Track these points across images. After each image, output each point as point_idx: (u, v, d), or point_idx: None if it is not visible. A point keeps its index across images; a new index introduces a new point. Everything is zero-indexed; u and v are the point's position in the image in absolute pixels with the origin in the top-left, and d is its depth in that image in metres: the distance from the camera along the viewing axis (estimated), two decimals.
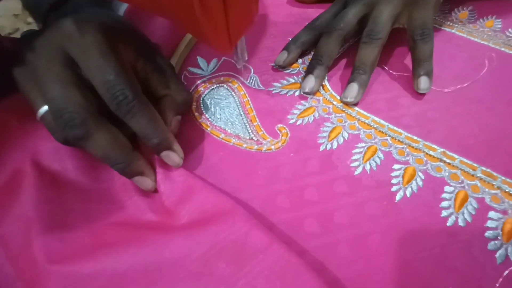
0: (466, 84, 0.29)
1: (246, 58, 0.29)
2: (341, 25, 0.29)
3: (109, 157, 0.22)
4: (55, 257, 0.21)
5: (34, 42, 0.22)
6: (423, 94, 0.29)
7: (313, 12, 0.37)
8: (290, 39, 0.32)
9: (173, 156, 0.23)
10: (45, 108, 0.22)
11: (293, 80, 0.31)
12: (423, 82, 0.28)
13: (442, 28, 0.34)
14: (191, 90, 0.31)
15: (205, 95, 0.30)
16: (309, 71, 0.29)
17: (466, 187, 0.23)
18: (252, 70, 0.32)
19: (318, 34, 0.32)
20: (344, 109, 0.28)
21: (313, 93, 0.29)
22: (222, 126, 0.28)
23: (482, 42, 0.32)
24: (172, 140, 0.23)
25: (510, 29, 0.33)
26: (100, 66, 0.21)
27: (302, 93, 0.29)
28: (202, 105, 0.29)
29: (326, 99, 0.29)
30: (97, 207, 0.24)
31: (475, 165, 0.24)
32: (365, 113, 0.28)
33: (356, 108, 0.28)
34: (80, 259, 0.21)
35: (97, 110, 0.21)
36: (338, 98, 0.29)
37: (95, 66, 0.21)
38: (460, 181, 0.23)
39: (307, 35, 0.32)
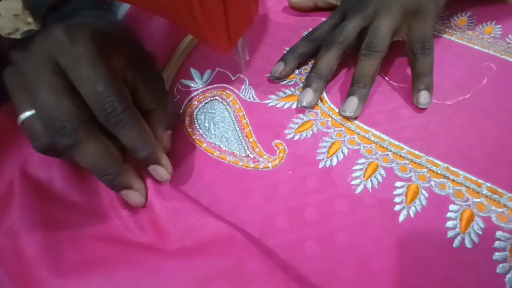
0: (468, 96, 0.28)
1: (247, 58, 0.28)
2: (340, 38, 0.28)
3: (97, 167, 0.21)
4: (43, 271, 0.20)
5: (25, 49, 0.22)
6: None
7: (310, 20, 0.36)
8: (287, 49, 0.31)
9: (161, 171, 0.23)
10: (27, 114, 0.21)
11: (289, 92, 0.30)
12: (423, 97, 0.27)
13: (442, 35, 0.33)
14: (184, 104, 0.30)
15: (199, 109, 0.29)
16: (307, 83, 0.28)
17: (472, 205, 0.22)
18: (248, 82, 0.31)
19: (316, 46, 0.31)
20: (343, 123, 0.27)
21: (310, 107, 0.28)
22: (217, 143, 0.27)
23: (483, 49, 0.31)
24: (160, 155, 0.23)
25: (510, 36, 0.32)
26: (89, 77, 0.20)
27: (299, 106, 0.28)
28: (195, 120, 0.28)
29: (325, 112, 0.28)
30: (81, 220, 0.23)
31: (480, 181, 0.23)
32: (365, 126, 0.27)
33: (356, 122, 0.27)
34: (65, 277, 0.20)
35: (88, 119, 0.21)
36: (337, 111, 0.28)
37: (85, 77, 0.20)
38: (465, 199, 0.23)
39: (305, 47, 0.31)
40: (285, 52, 0.31)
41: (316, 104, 0.29)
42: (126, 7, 0.35)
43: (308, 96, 0.28)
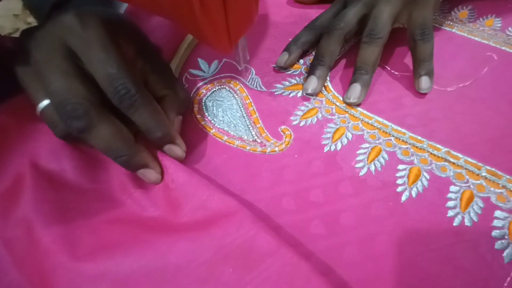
0: (468, 83, 0.29)
1: (248, 58, 0.29)
2: (341, 25, 0.29)
3: (112, 149, 0.21)
4: (62, 256, 0.20)
5: (36, 36, 0.22)
6: (426, 94, 0.29)
7: (313, 12, 0.37)
8: (291, 40, 0.32)
9: (176, 150, 0.24)
10: (45, 102, 0.21)
11: (295, 81, 0.31)
12: (424, 82, 0.28)
13: (443, 27, 0.34)
14: (192, 93, 0.30)
15: (207, 97, 0.30)
16: (311, 72, 0.29)
17: (472, 186, 0.23)
18: (254, 71, 0.32)
19: (319, 34, 0.31)
20: (347, 110, 0.28)
21: (315, 94, 0.29)
22: (225, 128, 0.28)
23: (483, 41, 0.32)
24: (174, 134, 0.24)
25: (510, 28, 0.33)
26: (102, 59, 0.20)
27: (304, 94, 0.29)
28: (204, 107, 0.29)
29: (329, 100, 0.29)
30: (95, 205, 0.24)
31: (480, 164, 0.24)
32: (368, 113, 0.28)
33: (359, 109, 0.28)
34: (82, 261, 0.20)
35: (99, 102, 0.21)
36: (341, 98, 0.29)
37: (97, 59, 0.20)
38: (465, 181, 0.23)
39: (307, 35, 0.32)
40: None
41: (321, 91, 0.29)
42: (124, 7, 0.36)
43: (313, 83, 0.29)
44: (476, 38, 0.32)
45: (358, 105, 0.28)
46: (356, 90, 0.28)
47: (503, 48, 0.31)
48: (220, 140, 0.27)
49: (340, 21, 0.29)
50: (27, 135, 0.26)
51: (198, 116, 0.29)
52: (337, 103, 0.29)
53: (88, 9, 0.23)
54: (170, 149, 0.24)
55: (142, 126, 0.22)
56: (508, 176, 0.23)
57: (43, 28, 0.22)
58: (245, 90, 0.30)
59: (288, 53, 0.31)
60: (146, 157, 0.23)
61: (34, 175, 0.24)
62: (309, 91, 0.29)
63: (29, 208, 0.22)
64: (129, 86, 0.21)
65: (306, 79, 0.29)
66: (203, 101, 0.30)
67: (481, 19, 0.34)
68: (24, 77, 0.22)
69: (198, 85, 0.31)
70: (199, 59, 0.33)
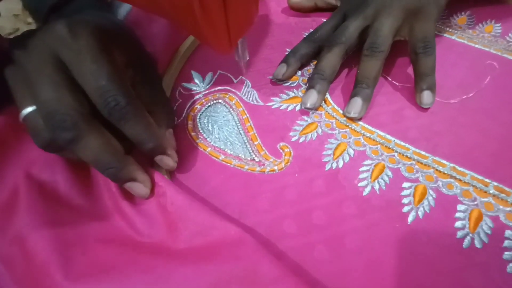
0: (471, 95, 0.28)
1: (248, 58, 0.28)
2: (342, 39, 0.28)
3: (100, 161, 0.21)
4: (56, 275, 0.20)
5: (26, 45, 0.21)
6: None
7: (310, 21, 0.36)
8: (289, 50, 0.31)
9: (167, 160, 0.24)
10: (28, 109, 0.21)
11: (293, 94, 0.30)
12: (426, 97, 0.27)
13: (442, 34, 0.33)
14: (186, 108, 0.29)
15: (202, 113, 0.29)
16: (310, 85, 0.28)
17: (480, 204, 0.22)
18: (250, 84, 0.31)
19: (318, 47, 0.31)
20: (347, 124, 0.27)
21: (315, 108, 0.28)
22: (222, 147, 0.27)
23: (483, 48, 0.31)
24: (166, 145, 0.23)
25: (510, 34, 0.32)
26: (92, 71, 0.20)
27: (303, 108, 0.28)
28: (199, 124, 0.28)
29: (329, 113, 0.28)
30: (88, 223, 0.23)
31: (487, 180, 0.23)
32: (370, 127, 0.27)
33: (360, 123, 0.27)
34: (76, 282, 0.19)
35: (89, 114, 0.21)
36: (341, 112, 0.28)
37: (87, 71, 0.20)
38: (473, 199, 0.23)
39: (306, 48, 0.31)
40: (286, 53, 0.31)
41: (320, 105, 0.28)
42: (126, 8, 0.35)
43: (312, 97, 0.28)
44: (477, 46, 0.32)
45: (359, 119, 0.27)
46: (357, 104, 0.27)
47: (504, 55, 0.31)
48: (216, 159, 0.26)
49: (341, 35, 0.28)
50: (24, 144, 0.25)
51: (193, 134, 0.27)
52: (337, 117, 0.28)
53: (81, 18, 0.22)
54: (161, 160, 0.23)
55: (133, 137, 0.22)
56: None
57: (34, 37, 0.21)
58: (241, 105, 0.29)
59: (286, 65, 0.30)
60: (134, 170, 0.22)
61: (26, 187, 0.23)
62: (308, 105, 0.28)
63: (23, 222, 0.22)
64: (118, 98, 0.20)
65: (305, 92, 0.28)
66: (198, 117, 0.29)
67: (480, 25, 0.34)
68: (13, 82, 0.22)
69: (193, 100, 0.30)
70: (192, 72, 0.32)
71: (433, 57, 0.27)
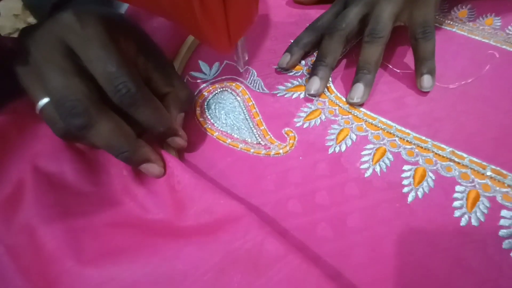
0: (470, 80, 0.29)
1: (247, 58, 0.28)
2: (342, 25, 0.29)
3: (113, 146, 0.21)
4: (67, 262, 0.20)
5: (34, 34, 0.22)
6: (428, 93, 0.29)
7: (314, 13, 0.36)
8: (292, 41, 0.32)
9: (179, 140, 0.25)
10: (44, 101, 0.21)
11: (297, 83, 0.31)
12: (426, 81, 0.28)
13: (443, 27, 0.34)
14: (194, 95, 0.30)
15: (209, 100, 0.30)
16: (313, 72, 0.29)
17: (477, 186, 0.23)
18: (255, 73, 0.32)
19: (320, 35, 0.31)
20: (350, 111, 0.28)
21: (318, 94, 0.29)
22: (229, 131, 0.27)
23: (483, 40, 0.32)
24: (176, 127, 0.24)
25: (510, 27, 0.33)
26: (101, 57, 0.20)
27: (307, 95, 0.29)
28: (206, 110, 0.29)
29: (332, 101, 0.29)
30: (97, 209, 0.24)
31: (484, 163, 0.24)
32: (372, 114, 0.28)
33: (362, 109, 0.28)
34: (87, 267, 0.20)
35: (99, 100, 0.21)
36: (344, 99, 0.29)
37: (96, 58, 0.20)
38: (470, 180, 0.23)
39: (309, 36, 0.32)
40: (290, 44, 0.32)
41: (323, 92, 0.29)
42: (124, 7, 0.36)
43: (316, 84, 0.29)
44: (477, 38, 0.33)
45: (361, 105, 0.28)
46: (359, 90, 0.28)
47: (504, 47, 0.31)
48: (223, 143, 0.27)
49: (342, 21, 0.29)
50: (27, 139, 0.26)
51: (201, 119, 0.28)
52: (340, 104, 0.29)
53: (88, 8, 0.22)
54: (173, 141, 0.24)
55: (145, 122, 0.22)
56: None
57: (42, 27, 0.22)
58: (247, 92, 0.30)
59: (290, 54, 0.31)
60: (147, 152, 0.23)
61: (35, 180, 0.24)
62: (312, 92, 0.29)
63: (31, 213, 0.22)
64: (129, 84, 0.20)
65: (308, 80, 0.29)
66: (205, 103, 0.29)
67: (480, 18, 0.34)
68: (24, 75, 0.22)
69: (200, 88, 0.31)
70: (200, 61, 0.33)
71: (432, 42, 0.28)
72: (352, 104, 0.28)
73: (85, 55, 0.21)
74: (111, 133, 0.21)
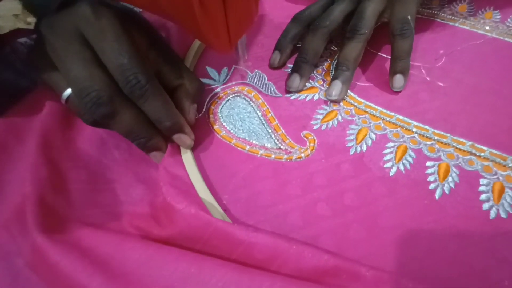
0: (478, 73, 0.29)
1: (246, 58, 0.28)
2: (326, 22, 0.29)
3: (133, 132, 0.23)
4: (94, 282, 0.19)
5: (52, 23, 0.22)
6: (442, 87, 0.29)
7: None
8: (280, 35, 0.32)
9: (185, 138, 0.24)
10: (69, 90, 0.22)
11: (309, 85, 0.30)
12: (397, 81, 0.28)
13: (445, 22, 0.35)
14: (206, 102, 0.30)
15: (222, 106, 0.29)
16: (294, 69, 0.30)
17: (501, 178, 0.23)
18: (266, 77, 0.31)
19: (307, 25, 0.31)
20: (366, 110, 0.28)
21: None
22: (246, 138, 0.27)
23: (486, 33, 0.33)
24: (183, 123, 0.24)
25: (509, 19, 0.34)
26: (114, 49, 0.21)
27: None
28: (220, 117, 0.28)
29: (347, 101, 0.29)
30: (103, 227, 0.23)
31: (505, 155, 0.24)
32: (388, 112, 0.28)
33: (379, 108, 0.28)
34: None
35: (119, 89, 0.22)
36: (358, 99, 0.29)
37: (109, 49, 0.21)
38: (493, 173, 0.24)
39: (296, 28, 0.31)
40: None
41: (303, 89, 0.30)
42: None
43: (296, 81, 0.29)
44: (479, 31, 0.33)
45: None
46: (337, 86, 0.28)
47: (506, 39, 0.32)
48: (243, 150, 0.26)
49: (326, 18, 0.29)
50: (27, 150, 0.25)
51: (215, 127, 0.28)
52: (355, 104, 0.29)
53: (102, 1, 0.23)
54: (179, 138, 0.24)
55: (152, 115, 0.22)
56: None
57: (59, 17, 0.22)
58: (261, 97, 0.30)
59: (279, 52, 0.31)
60: (160, 141, 0.24)
61: (36, 195, 0.23)
62: (292, 89, 0.29)
63: (34, 232, 0.21)
64: (139, 76, 0.21)
65: (289, 76, 0.30)
66: (219, 110, 0.29)
67: (480, 12, 0.35)
68: (44, 67, 0.22)
69: (211, 94, 0.30)
70: (207, 67, 0.32)
71: (409, 40, 0.28)
72: (330, 101, 0.28)
73: (99, 47, 0.21)
74: (131, 121, 0.22)
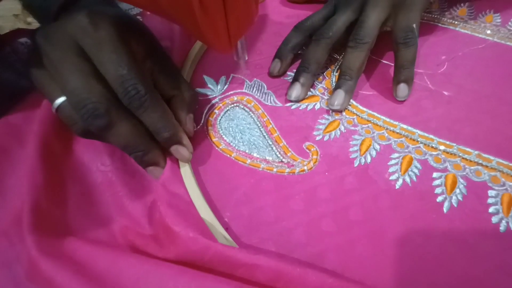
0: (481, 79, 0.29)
1: (246, 58, 0.28)
2: (329, 33, 0.29)
3: (130, 145, 0.22)
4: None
5: (49, 34, 0.22)
6: (443, 95, 0.28)
7: None
8: (281, 43, 0.31)
9: (183, 151, 0.24)
10: (60, 99, 0.22)
11: (310, 93, 0.30)
12: (401, 90, 0.28)
13: (446, 26, 0.34)
14: (204, 113, 0.29)
15: (221, 117, 0.28)
16: (295, 78, 0.29)
17: (509, 189, 0.23)
18: (265, 86, 0.30)
19: (308, 35, 0.31)
20: (369, 119, 0.27)
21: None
22: (247, 151, 0.26)
23: (487, 38, 0.32)
24: (182, 135, 0.24)
25: (510, 23, 0.33)
26: (112, 60, 0.21)
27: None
28: (219, 129, 0.28)
29: (349, 110, 0.28)
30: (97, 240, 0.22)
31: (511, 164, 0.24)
32: (392, 121, 0.27)
33: (382, 117, 0.27)
34: None
35: (116, 101, 0.21)
36: (361, 108, 0.28)
37: (108, 60, 0.21)
38: (501, 184, 0.23)
39: (297, 38, 0.31)
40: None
41: (303, 98, 0.29)
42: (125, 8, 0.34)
43: (297, 90, 0.28)
44: (480, 35, 0.33)
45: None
46: (339, 96, 0.27)
47: (508, 43, 0.32)
48: (243, 164, 0.26)
49: (329, 29, 0.29)
50: (28, 154, 0.25)
51: (215, 140, 0.27)
52: (358, 113, 0.28)
53: (99, 9, 0.22)
54: (177, 150, 0.23)
55: (151, 126, 0.22)
56: None
57: (57, 27, 0.22)
58: (260, 107, 0.29)
59: (280, 61, 0.31)
60: (158, 155, 0.23)
61: (31, 203, 0.22)
62: (292, 98, 0.28)
63: (30, 244, 0.20)
64: (139, 87, 0.21)
65: (290, 85, 0.29)
66: (218, 122, 0.28)
67: (480, 16, 0.35)
68: (38, 75, 0.22)
69: (209, 105, 0.29)
70: (204, 76, 0.31)
71: (413, 49, 0.27)
72: (332, 110, 0.28)
73: (97, 58, 0.21)
74: (128, 133, 0.22)
